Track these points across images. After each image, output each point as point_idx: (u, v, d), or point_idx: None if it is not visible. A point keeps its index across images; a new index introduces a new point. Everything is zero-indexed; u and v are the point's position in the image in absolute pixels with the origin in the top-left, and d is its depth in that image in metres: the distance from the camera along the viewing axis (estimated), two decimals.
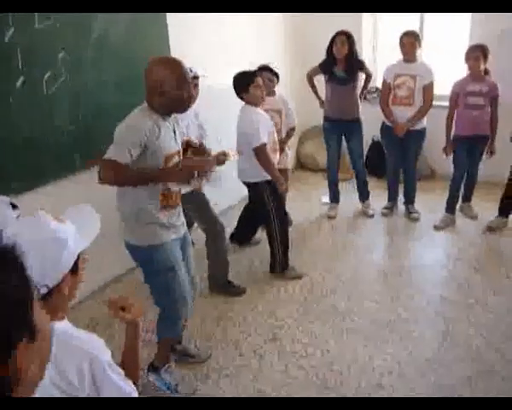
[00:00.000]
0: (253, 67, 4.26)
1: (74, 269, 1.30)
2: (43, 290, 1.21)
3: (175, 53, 3.93)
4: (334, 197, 4.98)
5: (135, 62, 3.70)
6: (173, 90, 2.34)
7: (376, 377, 2.80)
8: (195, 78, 3.39)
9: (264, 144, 3.51)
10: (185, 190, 2.98)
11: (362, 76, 4.71)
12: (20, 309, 0.68)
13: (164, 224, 2.47)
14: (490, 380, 2.72)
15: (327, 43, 4.55)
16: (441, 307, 3.43)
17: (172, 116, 2.50)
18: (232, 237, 4.32)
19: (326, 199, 5.11)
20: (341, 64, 4.46)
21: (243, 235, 4.39)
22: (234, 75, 3.66)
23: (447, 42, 5.57)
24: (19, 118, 2.98)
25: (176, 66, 2.38)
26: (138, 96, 3.65)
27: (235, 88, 3.64)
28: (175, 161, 2.47)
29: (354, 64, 4.48)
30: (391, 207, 4.93)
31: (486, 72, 4.26)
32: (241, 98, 3.63)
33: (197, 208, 3.48)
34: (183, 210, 2.69)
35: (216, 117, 4.13)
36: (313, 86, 4.80)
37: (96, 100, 3.44)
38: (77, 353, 1.23)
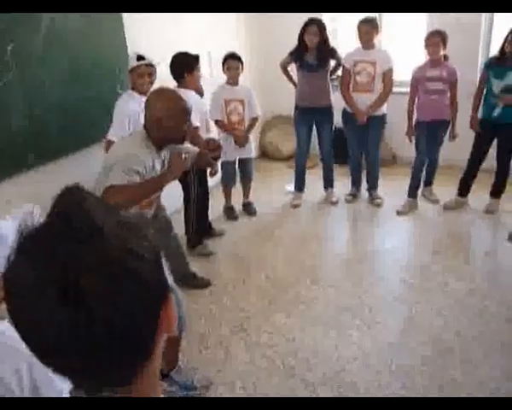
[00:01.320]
0: (216, 55, 4.27)
1: None
2: None
3: (130, 45, 3.88)
4: (300, 186, 4.99)
5: (88, 56, 3.62)
6: (172, 126, 2.36)
7: (341, 363, 2.83)
8: (151, 65, 3.36)
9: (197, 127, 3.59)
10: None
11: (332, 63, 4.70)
12: (161, 268, 0.66)
13: None
14: (446, 359, 2.79)
15: (287, 32, 4.54)
16: (402, 291, 3.49)
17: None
18: (189, 241, 4.15)
19: (290, 188, 5.12)
20: (312, 52, 4.45)
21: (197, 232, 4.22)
22: (174, 55, 3.72)
23: (405, 28, 5.62)
24: None
25: (177, 102, 2.39)
26: (91, 90, 3.63)
27: (175, 69, 3.71)
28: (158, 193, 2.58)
29: (326, 52, 4.49)
30: (354, 194, 4.98)
31: (446, 57, 4.33)
32: (178, 80, 3.71)
33: None
34: None
35: None
36: (288, 75, 4.79)
37: (48, 95, 3.32)
38: (15, 354, 1.17)
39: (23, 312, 0.57)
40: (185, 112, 2.40)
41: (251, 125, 4.48)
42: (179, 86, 3.67)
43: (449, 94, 4.37)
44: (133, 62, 3.35)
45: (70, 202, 0.60)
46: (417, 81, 4.41)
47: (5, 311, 1.07)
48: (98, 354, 0.58)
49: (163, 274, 0.65)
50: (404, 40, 5.56)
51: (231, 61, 4.23)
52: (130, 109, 3.28)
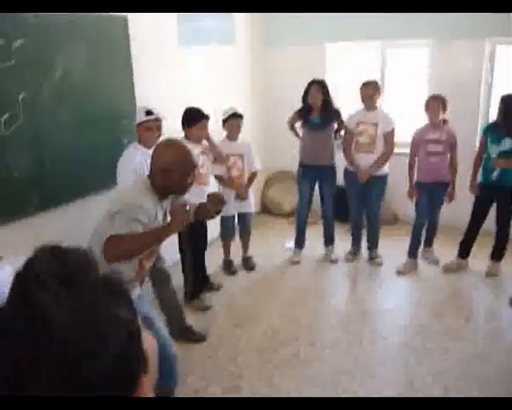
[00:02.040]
0: (224, 110, 4.36)
1: None
2: None
3: (138, 97, 3.99)
4: (300, 243, 4.98)
5: (97, 106, 3.70)
6: (178, 176, 2.37)
7: None
8: (157, 120, 3.43)
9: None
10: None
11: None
12: (136, 341, 0.62)
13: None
14: None
15: (291, 90, 4.67)
16: (402, 354, 3.42)
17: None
18: (185, 294, 4.10)
19: (290, 244, 5.11)
20: (317, 111, 4.55)
21: (195, 286, 4.17)
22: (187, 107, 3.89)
23: (406, 90, 5.77)
24: None
25: (185, 154, 2.41)
26: (98, 139, 3.69)
27: (182, 120, 3.90)
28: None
29: (330, 111, 4.58)
30: (354, 253, 4.96)
31: (445, 121, 4.42)
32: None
33: None
34: None
35: None
36: (295, 132, 4.86)
37: (56, 141, 3.38)
38: None
39: None
40: (192, 165, 2.42)
41: (250, 180, 4.54)
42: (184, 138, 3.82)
43: (448, 156, 4.43)
44: (141, 116, 3.42)
45: (25, 284, 0.59)
46: (417, 143, 4.48)
47: None
48: None
49: (133, 360, 0.61)
50: (404, 102, 5.69)
51: (235, 120, 4.32)
52: (137, 162, 3.32)
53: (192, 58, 4.71)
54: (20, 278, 0.61)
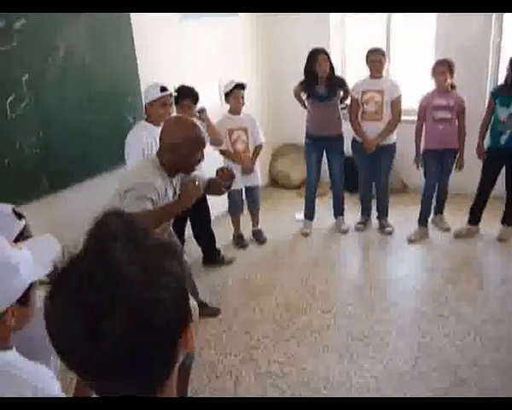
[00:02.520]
0: (225, 84, 4.33)
1: (23, 300, 1.21)
2: None
3: (142, 72, 3.95)
4: (310, 214, 4.97)
5: (100, 81, 3.68)
6: (187, 152, 2.36)
7: (353, 393, 2.77)
8: (171, 96, 3.47)
9: None
10: None
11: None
12: (185, 291, 0.72)
13: None
14: (463, 388, 2.72)
15: (298, 60, 4.59)
16: (415, 319, 3.44)
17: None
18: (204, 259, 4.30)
19: (300, 216, 5.10)
20: (323, 82, 4.47)
21: (210, 251, 4.35)
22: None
23: (412, 56, 5.68)
24: None
25: (193, 129, 2.40)
26: (103, 118, 3.68)
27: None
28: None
29: (335, 81, 4.52)
30: (364, 222, 4.95)
31: (453, 86, 4.34)
32: None
33: None
34: None
35: None
36: (301, 101, 4.79)
37: (62, 121, 3.38)
38: (18, 383, 1.13)
39: (59, 343, 0.67)
40: (201, 141, 2.41)
41: (256, 153, 4.52)
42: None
43: (456, 123, 4.37)
44: (157, 92, 3.41)
45: (102, 241, 0.67)
46: (424, 110, 4.42)
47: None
48: (120, 379, 0.67)
49: (184, 307, 0.71)
50: (411, 68, 5.60)
51: (240, 91, 4.29)
52: (145, 142, 3.32)
53: (195, 31, 4.64)
54: (96, 234, 0.69)
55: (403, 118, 4.56)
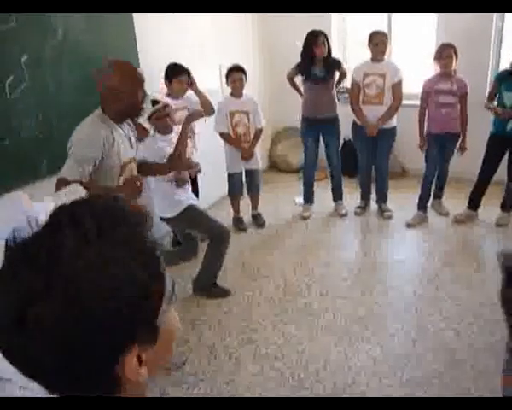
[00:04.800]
0: (224, 68, 4.31)
1: None
2: None
3: (142, 54, 3.94)
4: (309, 198, 4.98)
5: (99, 62, 3.63)
6: (128, 95, 2.33)
7: (351, 375, 2.80)
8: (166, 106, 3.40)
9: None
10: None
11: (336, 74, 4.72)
12: (146, 303, 0.62)
13: None
14: (459, 370, 2.75)
15: (296, 43, 4.56)
16: (413, 302, 3.46)
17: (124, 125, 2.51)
18: None
19: (299, 200, 5.11)
20: (319, 63, 4.45)
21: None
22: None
23: (414, 40, 5.64)
24: None
25: (130, 71, 2.38)
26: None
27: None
28: (131, 168, 2.52)
29: (332, 63, 4.51)
30: (364, 206, 4.96)
31: (454, 71, 4.33)
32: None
33: (191, 222, 3.49)
34: None
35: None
36: (295, 87, 4.80)
37: (61, 102, 3.36)
38: None
39: None
40: (139, 80, 2.38)
41: (256, 137, 4.52)
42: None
43: (459, 107, 4.36)
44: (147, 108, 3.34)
45: (56, 225, 0.60)
46: (428, 94, 4.40)
47: None
48: (45, 377, 0.60)
49: (134, 317, 0.60)
50: (412, 52, 5.57)
51: (235, 74, 4.28)
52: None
53: (195, 13, 4.61)
54: (59, 212, 0.62)
55: (404, 102, 4.54)
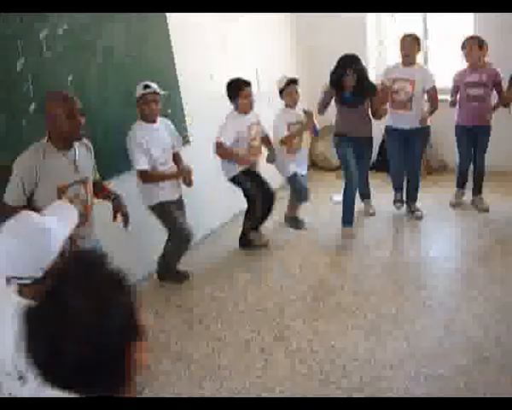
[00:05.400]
0: (278, 80, 4.37)
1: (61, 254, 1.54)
2: (40, 274, 1.46)
3: (179, 65, 4.16)
4: (350, 220, 4.60)
5: (140, 77, 3.90)
6: (61, 118, 2.58)
7: (377, 370, 2.90)
8: (155, 93, 3.56)
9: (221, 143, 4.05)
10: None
11: None
12: (132, 315, 0.92)
13: None
14: (486, 369, 2.79)
15: (333, 40, 4.56)
16: (444, 299, 3.50)
17: (76, 149, 2.74)
18: (240, 240, 4.53)
19: (336, 198, 5.18)
20: (350, 84, 4.25)
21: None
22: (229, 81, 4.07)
23: (451, 39, 5.55)
24: (31, 141, 3.16)
25: (58, 97, 2.65)
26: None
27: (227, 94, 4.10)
28: (75, 192, 2.71)
29: (365, 88, 4.31)
30: (400, 200, 4.90)
31: (485, 63, 4.31)
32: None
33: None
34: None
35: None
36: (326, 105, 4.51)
37: (104, 118, 3.63)
38: None
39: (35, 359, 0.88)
40: (66, 103, 2.59)
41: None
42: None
43: (490, 100, 4.32)
44: (138, 91, 3.56)
45: (58, 285, 0.90)
46: (458, 87, 4.43)
47: None
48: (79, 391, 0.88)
49: (131, 331, 0.91)
50: (450, 48, 5.49)
51: (292, 86, 4.31)
52: (139, 140, 3.55)
53: (233, 26, 4.78)
54: (55, 278, 0.93)
55: (440, 96, 4.52)
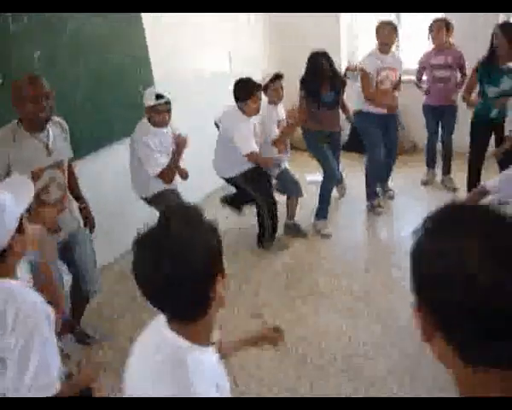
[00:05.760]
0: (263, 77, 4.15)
1: (20, 229, 1.54)
2: None
3: (151, 46, 4.07)
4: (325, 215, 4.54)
5: (110, 59, 3.81)
6: (21, 104, 2.48)
7: (352, 347, 2.96)
8: (167, 103, 3.39)
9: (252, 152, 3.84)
10: None
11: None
12: (216, 249, 1.14)
13: None
14: None
15: (303, 23, 4.51)
16: None
17: (50, 130, 2.63)
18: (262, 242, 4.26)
19: (311, 178, 5.20)
20: (326, 88, 4.20)
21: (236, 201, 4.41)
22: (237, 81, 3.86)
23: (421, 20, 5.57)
24: None
25: (18, 85, 2.51)
26: (114, 90, 3.83)
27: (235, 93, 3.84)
28: (50, 176, 2.62)
29: (338, 84, 4.29)
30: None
31: (450, 45, 4.38)
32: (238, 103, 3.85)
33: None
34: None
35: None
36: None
37: (74, 95, 3.53)
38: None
39: (138, 275, 1.11)
40: (24, 94, 2.47)
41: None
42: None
43: (456, 80, 4.40)
44: (150, 100, 3.37)
45: (163, 218, 1.12)
46: (423, 68, 4.54)
47: None
48: (169, 301, 1.11)
49: (217, 260, 1.13)
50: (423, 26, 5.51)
51: (277, 82, 4.08)
52: (154, 148, 3.41)
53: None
54: (162, 215, 1.14)
55: (410, 78, 4.66)
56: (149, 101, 3.38)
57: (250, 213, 4.42)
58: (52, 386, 1.46)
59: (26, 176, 2.37)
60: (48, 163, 2.62)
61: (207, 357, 1.20)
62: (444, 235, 0.73)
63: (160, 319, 1.20)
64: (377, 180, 4.72)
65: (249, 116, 3.88)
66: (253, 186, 4.00)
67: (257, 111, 3.89)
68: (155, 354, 1.16)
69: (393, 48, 4.44)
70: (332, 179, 4.42)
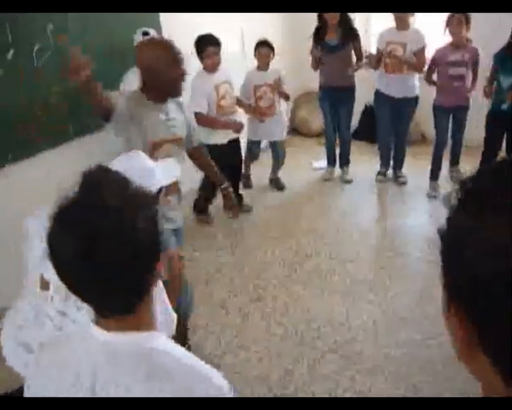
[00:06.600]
0: (250, 38, 4.31)
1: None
2: None
3: (164, 23, 4.04)
4: (331, 161, 5.05)
5: (123, 33, 3.78)
6: (164, 70, 2.31)
7: (351, 332, 2.98)
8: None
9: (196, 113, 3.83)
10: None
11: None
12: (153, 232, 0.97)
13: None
14: None
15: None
16: (421, 268, 3.58)
17: (168, 104, 2.48)
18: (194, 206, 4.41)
19: (318, 164, 5.20)
20: (333, 33, 4.42)
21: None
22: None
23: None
24: (10, 90, 3.07)
25: (164, 46, 2.39)
26: (126, 64, 3.81)
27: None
28: (168, 149, 2.44)
29: (347, 31, 4.44)
30: (384, 173, 4.99)
31: (468, 40, 4.19)
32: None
33: None
34: None
35: None
36: (316, 61, 4.61)
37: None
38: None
39: (57, 260, 0.90)
40: (173, 54, 2.35)
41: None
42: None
43: (471, 78, 4.25)
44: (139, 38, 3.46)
45: (91, 183, 0.91)
46: (437, 64, 4.31)
47: None
48: (104, 288, 0.89)
49: (157, 240, 0.95)
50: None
51: (262, 49, 4.30)
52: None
53: None
54: (87, 181, 0.92)
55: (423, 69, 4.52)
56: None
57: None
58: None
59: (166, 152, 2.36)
60: (167, 137, 2.46)
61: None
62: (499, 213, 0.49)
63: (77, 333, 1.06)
64: (385, 157, 4.90)
65: (208, 72, 3.91)
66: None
67: (212, 66, 3.88)
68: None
69: (412, 25, 4.43)
70: (327, 134, 4.95)
